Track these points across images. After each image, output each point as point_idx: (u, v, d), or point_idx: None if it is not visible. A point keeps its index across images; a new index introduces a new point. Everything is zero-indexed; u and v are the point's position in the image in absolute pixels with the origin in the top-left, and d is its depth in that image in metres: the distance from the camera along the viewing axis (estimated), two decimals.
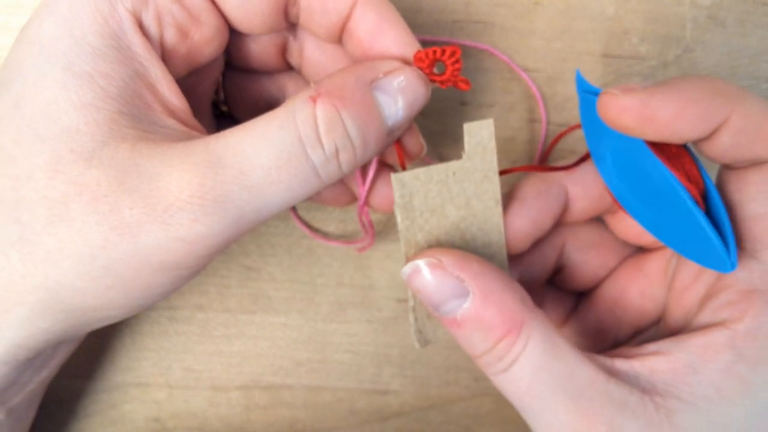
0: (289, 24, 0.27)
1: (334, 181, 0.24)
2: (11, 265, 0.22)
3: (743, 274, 0.24)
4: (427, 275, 0.24)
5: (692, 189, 0.23)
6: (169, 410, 0.36)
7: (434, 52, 0.25)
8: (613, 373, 0.24)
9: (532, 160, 0.35)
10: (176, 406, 0.36)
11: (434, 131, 0.35)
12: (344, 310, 0.36)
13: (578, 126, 0.28)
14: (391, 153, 0.28)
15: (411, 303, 0.26)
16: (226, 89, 0.30)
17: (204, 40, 0.25)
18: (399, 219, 0.25)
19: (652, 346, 0.24)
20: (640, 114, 0.22)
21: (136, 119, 0.23)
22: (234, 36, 0.27)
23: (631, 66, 0.35)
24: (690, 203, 0.23)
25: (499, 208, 0.26)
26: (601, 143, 0.26)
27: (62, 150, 0.22)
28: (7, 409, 0.27)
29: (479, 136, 0.25)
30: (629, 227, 0.29)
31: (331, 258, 0.36)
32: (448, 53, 0.25)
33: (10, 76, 0.23)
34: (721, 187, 0.25)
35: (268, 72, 0.30)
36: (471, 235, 0.26)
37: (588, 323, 0.30)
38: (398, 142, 0.26)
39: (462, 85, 0.26)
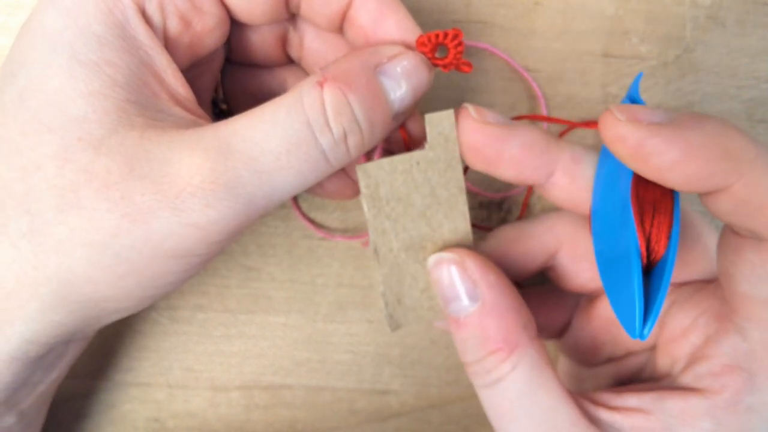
0: (290, 14, 0.27)
1: (342, 165, 0.24)
2: (23, 257, 0.22)
3: (728, 349, 0.24)
4: (448, 270, 0.25)
5: (644, 253, 0.22)
6: (169, 410, 0.36)
7: (436, 36, 0.25)
8: (594, 421, 0.24)
9: None
10: (176, 406, 0.36)
11: None
12: (344, 310, 0.36)
13: (578, 125, 0.28)
14: (394, 141, 0.28)
15: (381, 289, 0.26)
16: (225, 85, 0.30)
17: (206, 30, 0.25)
18: (366, 208, 0.26)
19: (634, 400, 0.25)
20: (635, 150, 0.21)
21: (143, 107, 0.23)
22: (235, 28, 0.27)
23: (631, 66, 0.35)
24: (634, 263, 0.22)
25: (464, 196, 0.26)
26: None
27: (70, 138, 0.22)
28: (19, 412, 0.26)
29: (441, 126, 0.25)
30: None
31: (331, 258, 0.36)
32: (450, 36, 0.25)
33: (14, 69, 0.23)
34: (720, 245, 0.24)
35: (269, 66, 0.30)
36: (437, 222, 0.26)
37: (584, 335, 0.30)
38: (402, 127, 0.26)
39: (464, 68, 0.26)
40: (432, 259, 0.26)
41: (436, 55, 0.26)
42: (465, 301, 0.24)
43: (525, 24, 0.34)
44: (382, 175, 0.25)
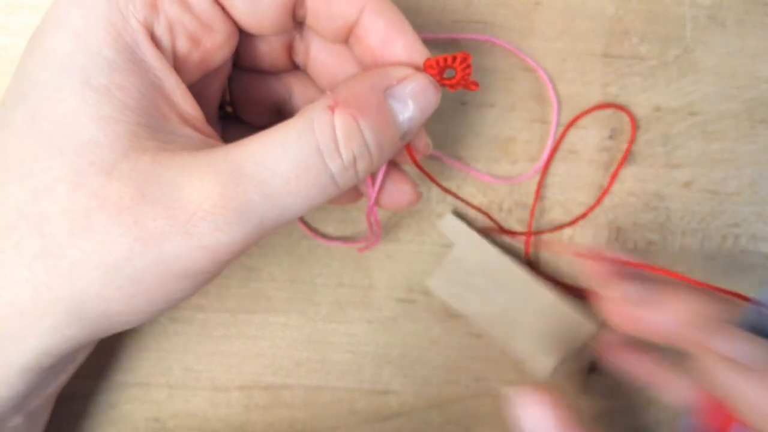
0: (297, 24, 0.27)
1: (350, 187, 0.24)
2: (36, 278, 0.22)
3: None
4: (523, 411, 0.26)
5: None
6: (169, 410, 0.36)
7: (444, 60, 0.25)
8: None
9: (532, 160, 0.35)
10: (176, 406, 0.36)
11: (434, 131, 0.35)
12: (344, 310, 0.36)
13: (578, 119, 0.27)
14: (400, 152, 0.28)
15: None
16: (231, 90, 0.30)
17: (216, 47, 0.25)
18: None
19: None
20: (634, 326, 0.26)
21: (154, 130, 0.23)
22: (242, 37, 0.27)
23: (631, 66, 0.35)
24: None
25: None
26: None
27: (82, 163, 0.22)
28: (26, 413, 0.27)
29: (454, 229, 0.30)
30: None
31: (331, 258, 0.36)
32: (459, 60, 0.25)
33: (25, 89, 0.23)
34: None
35: (275, 72, 0.30)
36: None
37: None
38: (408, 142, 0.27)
39: (472, 87, 0.26)
40: (513, 396, 0.27)
41: (444, 75, 0.26)
42: None
43: (525, 24, 0.34)
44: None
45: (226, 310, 0.36)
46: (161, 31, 0.24)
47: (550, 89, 0.34)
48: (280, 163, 0.22)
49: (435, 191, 0.35)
